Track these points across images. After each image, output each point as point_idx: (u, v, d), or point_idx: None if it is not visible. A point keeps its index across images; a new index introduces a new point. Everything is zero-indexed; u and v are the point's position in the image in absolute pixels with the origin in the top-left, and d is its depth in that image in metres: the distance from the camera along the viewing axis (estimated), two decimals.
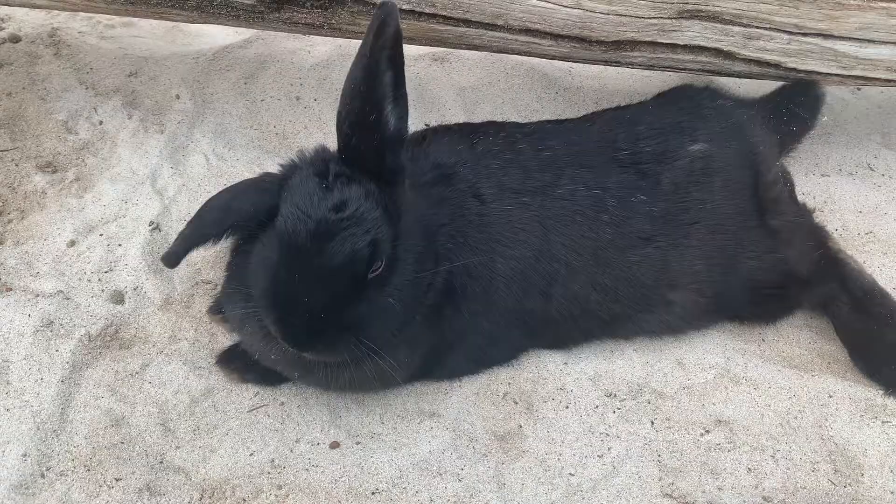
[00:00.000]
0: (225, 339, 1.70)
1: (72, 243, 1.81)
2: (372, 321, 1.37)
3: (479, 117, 2.20)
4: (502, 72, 2.29)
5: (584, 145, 1.69)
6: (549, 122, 1.84)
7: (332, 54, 2.28)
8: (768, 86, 2.02)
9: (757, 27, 1.72)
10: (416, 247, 1.43)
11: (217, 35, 2.07)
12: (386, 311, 1.38)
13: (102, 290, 1.74)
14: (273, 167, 2.00)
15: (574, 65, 2.34)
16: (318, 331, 1.32)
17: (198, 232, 1.47)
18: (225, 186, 1.95)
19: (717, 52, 1.80)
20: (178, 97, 2.14)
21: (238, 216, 1.45)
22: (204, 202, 1.49)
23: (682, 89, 1.91)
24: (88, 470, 1.49)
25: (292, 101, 2.17)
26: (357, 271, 1.33)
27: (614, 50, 1.76)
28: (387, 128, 1.36)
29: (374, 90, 1.31)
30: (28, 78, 2.12)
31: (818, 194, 2.08)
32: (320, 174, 1.38)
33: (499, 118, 2.19)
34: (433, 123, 2.17)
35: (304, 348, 1.35)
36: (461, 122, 2.11)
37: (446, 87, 2.25)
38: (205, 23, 1.76)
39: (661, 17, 1.67)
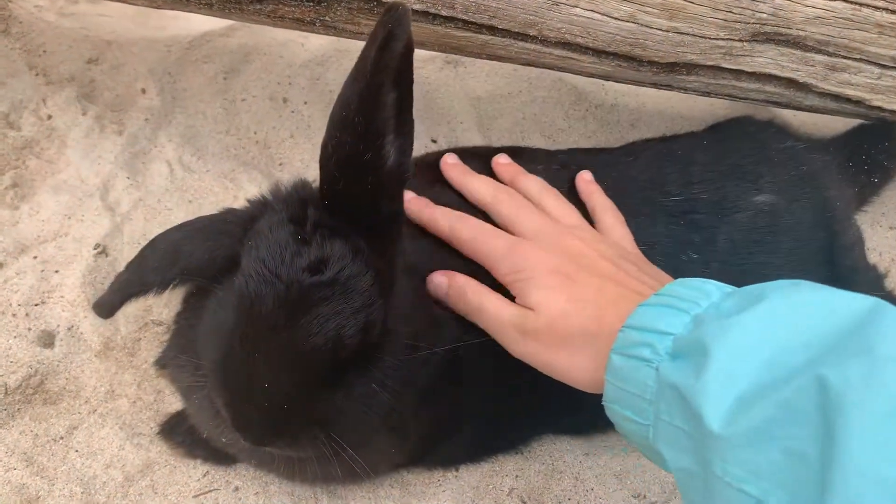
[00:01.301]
0: (173, 398, 1.40)
1: None
2: (348, 414, 1.05)
3: (495, 133, 1.88)
4: (525, 81, 1.97)
5: (626, 185, 1.38)
6: (581, 151, 1.53)
7: (328, 49, 1.96)
8: (823, 122, 1.70)
9: (845, 57, 1.40)
10: (412, 318, 1.12)
11: (196, 19, 1.74)
12: (368, 400, 1.07)
13: (29, 329, 1.43)
14: (249, 182, 1.70)
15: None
16: (278, 424, 1.01)
17: (137, 279, 1.15)
18: (189, 203, 1.66)
19: (790, 82, 1.48)
20: (143, 91, 1.81)
21: (187, 264, 1.13)
22: (148, 241, 1.18)
23: (741, 123, 1.60)
24: None
25: (278, 103, 1.85)
26: (337, 356, 1.01)
27: (667, 72, 1.44)
28: (384, 166, 1.03)
29: (371, 120, 0.98)
30: None
31: (886, 251, 1.77)
32: (296, 221, 1.06)
33: (519, 136, 1.88)
34: (441, 139, 1.85)
35: (259, 442, 1.04)
36: (476, 144, 1.80)
37: (459, 96, 1.93)
38: (171, 9, 1.44)
39: (731, 39, 1.35)
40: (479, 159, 1.40)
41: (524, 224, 1.20)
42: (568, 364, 1.06)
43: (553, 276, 1.10)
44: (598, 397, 1.32)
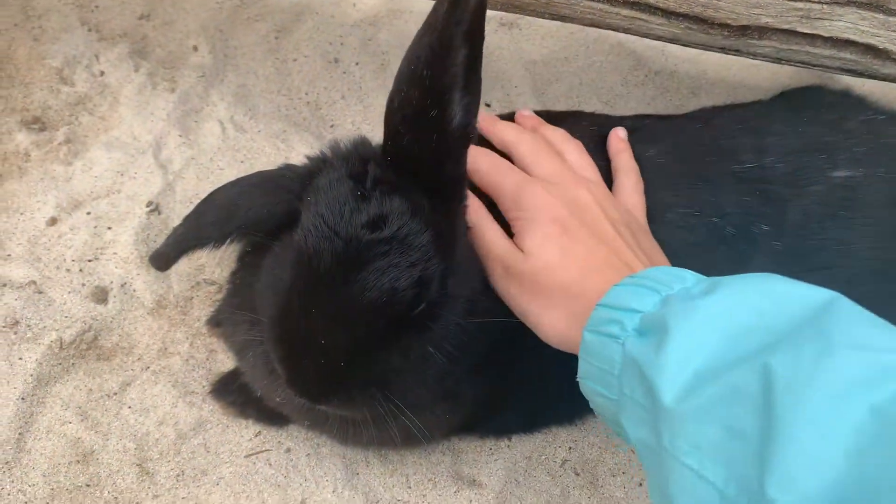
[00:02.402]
0: (226, 358, 1.39)
1: (53, 221, 1.49)
2: (406, 375, 1.03)
3: (550, 98, 1.83)
4: (582, 45, 1.91)
5: (696, 153, 1.32)
6: (648, 117, 1.47)
7: (380, 9, 1.92)
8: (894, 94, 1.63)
9: None
10: (473, 281, 1.10)
11: None
12: (425, 362, 1.05)
13: (83, 285, 1.43)
14: (301, 143, 1.68)
15: (668, 44, 1.95)
16: (334, 381, 0.99)
17: (194, 232, 1.14)
18: (241, 163, 1.64)
19: (868, 48, 1.41)
20: (195, 49, 1.79)
21: (246, 219, 1.11)
22: (207, 195, 1.16)
23: (816, 93, 1.52)
24: None
25: (329, 63, 1.81)
26: (394, 312, 0.99)
27: (738, 36, 1.38)
28: (450, 125, 1.00)
29: (440, 76, 0.94)
30: (22, 13, 1.78)
31: None
32: (356, 177, 1.03)
33: (575, 102, 1.83)
34: (495, 104, 1.81)
35: (315, 400, 1.03)
36: (533, 105, 1.75)
37: (514, 59, 1.88)
38: None
39: (811, 1, 1.28)
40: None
41: (541, 166, 1.18)
42: (540, 315, 1.07)
43: (553, 224, 1.09)
44: None
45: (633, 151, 1.31)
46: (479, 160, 1.20)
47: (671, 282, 0.88)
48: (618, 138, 1.33)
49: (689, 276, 0.90)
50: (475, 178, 1.20)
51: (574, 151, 1.26)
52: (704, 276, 0.92)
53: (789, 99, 1.52)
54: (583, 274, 1.03)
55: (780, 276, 0.85)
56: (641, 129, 1.37)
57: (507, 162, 1.21)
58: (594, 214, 1.11)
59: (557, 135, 1.28)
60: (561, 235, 1.07)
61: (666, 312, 0.82)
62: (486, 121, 1.31)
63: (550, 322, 1.06)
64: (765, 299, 0.79)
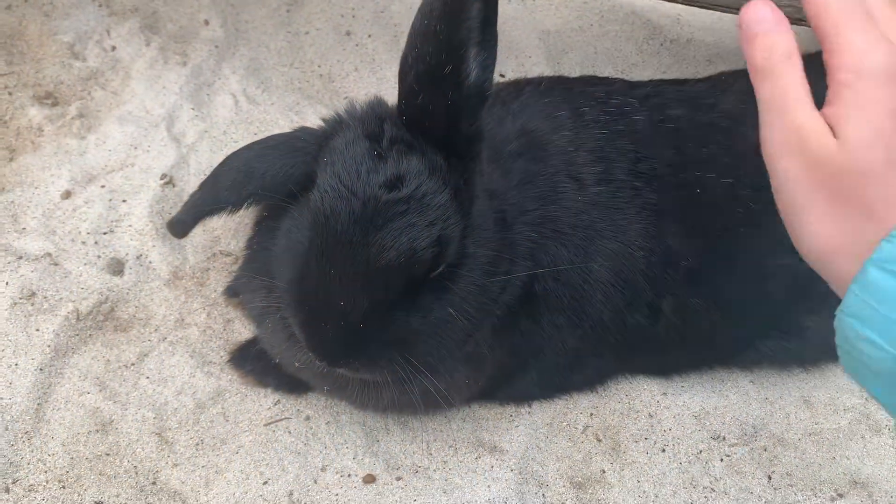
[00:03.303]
0: (243, 327, 1.38)
1: (67, 195, 1.49)
2: (426, 336, 1.02)
3: (565, 68, 1.81)
4: (596, 14, 1.89)
5: (715, 118, 1.30)
6: (668, 82, 1.45)
7: None
8: None
9: None
10: (490, 241, 1.08)
11: None
12: (445, 324, 1.03)
13: (98, 257, 1.42)
14: (314, 115, 1.66)
15: (683, 12, 1.92)
16: (355, 343, 0.98)
17: (211, 197, 1.13)
18: (254, 135, 1.63)
19: None
20: (206, 23, 1.78)
21: (262, 181, 1.10)
22: (223, 159, 1.15)
23: None
24: (63, 487, 1.20)
25: (341, 36, 1.80)
26: (413, 273, 0.98)
27: None
28: (466, 82, 0.98)
29: (455, 31, 0.93)
30: None
31: None
32: (372, 137, 1.02)
33: (590, 70, 1.81)
34: (510, 74, 1.79)
35: (335, 363, 1.02)
36: (549, 74, 1.73)
37: (528, 29, 1.86)
38: None
39: None
40: (559, 89, 1.33)
41: (861, 35, 0.87)
42: (817, 219, 0.84)
43: (890, 119, 0.83)
44: (677, 340, 1.27)
45: (653, 116, 1.28)
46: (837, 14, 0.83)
47: None
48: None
49: None
50: (814, 19, 0.85)
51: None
52: None
53: (808, 64, 1.49)
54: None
55: None
56: (662, 93, 1.35)
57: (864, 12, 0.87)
58: None
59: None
60: (894, 136, 0.82)
61: None
62: None
63: (826, 232, 0.84)
64: None
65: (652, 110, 1.28)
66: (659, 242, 1.20)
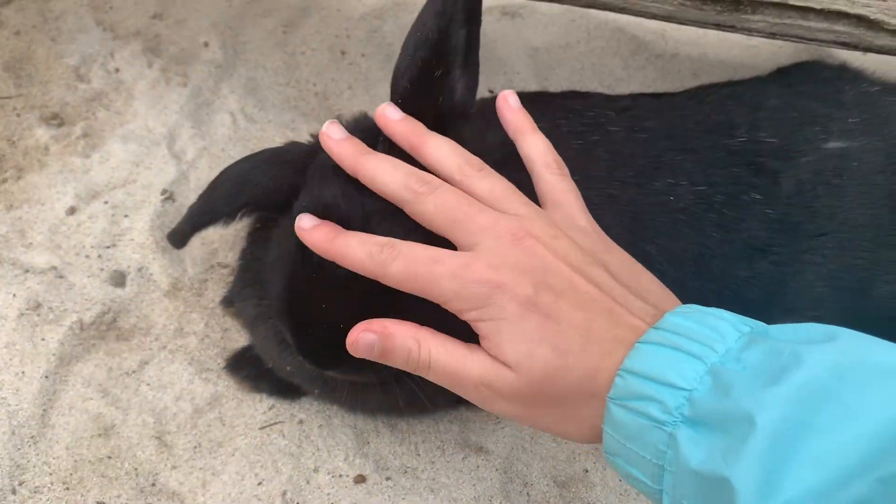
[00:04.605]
0: (239, 336, 1.44)
1: (72, 211, 1.55)
2: None
3: (553, 84, 1.87)
4: (583, 32, 1.95)
5: (689, 127, 1.35)
6: (645, 95, 1.50)
7: (384, 3, 1.97)
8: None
9: None
10: None
11: None
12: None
13: (101, 269, 1.48)
14: (309, 132, 1.72)
15: (668, 28, 1.98)
16: (341, 346, 1.04)
17: (207, 208, 1.19)
18: (251, 152, 1.69)
19: (861, 20, 1.43)
20: (206, 45, 1.85)
21: (254, 192, 1.16)
22: (220, 172, 1.22)
23: (812, 67, 1.55)
24: (67, 488, 1.25)
25: (336, 55, 1.87)
26: None
27: (732, 11, 1.41)
28: (452, 93, 1.06)
29: (445, 41, 1.01)
30: (40, 15, 1.85)
31: None
32: None
33: (577, 87, 1.86)
34: (498, 90, 1.84)
35: (324, 366, 1.07)
36: (535, 90, 1.79)
37: (517, 46, 1.92)
38: None
39: None
40: (538, 103, 1.39)
41: (459, 227, 0.88)
42: (560, 424, 0.85)
43: (527, 315, 0.81)
44: None
45: (628, 126, 1.34)
46: (387, 260, 0.91)
47: (708, 338, 0.71)
48: (510, 107, 1.10)
49: (726, 328, 0.73)
50: (397, 286, 0.92)
51: (477, 177, 0.95)
52: (735, 316, 0.76)
53: (786, 74, 1.54)
54: (592, 365, 0.79)
55: (850, 332, 0.72)
56: (638, 106, 1.40)
57: (417, 246, 0.89)
58: (560, 273, 0.83)
59: (444, 158, 0.97)
60: (543, 326, 0.81)
61: (730, 407, 0.65)
62: (349, 155, 1.01)
63: (574, 428, 0.84)
64: (852, 382, 0.63)
65: (627, 121, 1.34)
66: (633, 247, 1.25)
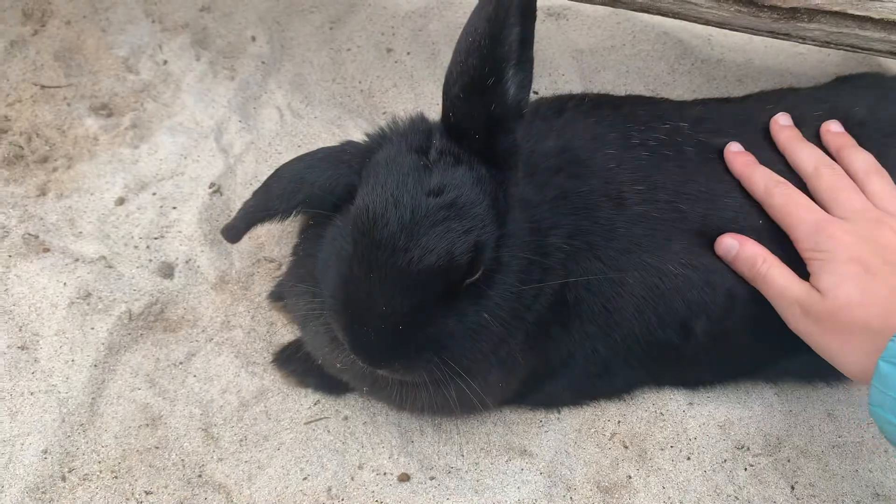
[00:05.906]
0: (285, 330, 1.45)
1: (121, 201, 1.57)
2: (461, 340, 1.08)
3: (597, 87, 1.86)
4: (629, 34, 1.94)
5: (762, 139, 1.34)
6: (713, 101, 1.49)
7: (430, 1, 1.97)
8: None
9: None
10: (524, 251, 1.13)
11: None
12: (480, 328, 1.09)
13: (150, 260, 1.50)
14: (355, 128, 1.73)
15: (714, 33, 1.97)
16: (394, 345, 1.04)
17: (263, 205, 1.21)
18: (298, 147, 1.70)
19: None
20: (253, 39, 1.86)
21: (311, 190, 1.17)
22: (274, 170, 1.23)
23: (876, 79, 1.55)
24: (116, 477, 1.27)
25: (382, 53, 1.87)
26: (450, 278, 1.04)
27: (788, 19, 1.40)
28: (506, 97, 1.05)
29: (497, 46, 1.00)
30: (90, 6, 1.87)
31: None
32: (419, 149, 1.09)
33: (622, 90, 1.86)
34: (543, 92, 1.84)
35: (376, 364, 1.08)
36: (599, 92, 1.78)
37: (561, 48, 1.91)
38: None
39: None
40: (605, 109, 1.38)
41: (841, 205, 1.19)
42: (840, 351, 1.09)
43: (852, 264, 1.10)
44: (704, 359, 1.32)
45: (702, 139, 1.31)
46: (774, 194, 1.21)
47: None
48: (833, 133, 1.32)
49: None
50: (770, 210, 1.22)
51: (878, 182, 1.23)
52: None
53: (848, 82, 1.53)
54: (886, 310, 1.04)
55: None
56: (710, 115, 1.37)
57: (803, 197, 1.21)
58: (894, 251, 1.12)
59: (861, 162, 1.26)
60: (861, 275, 1.09)
61: None
62: (785, 137, 1.30)
63: (849, 358, 1.08)
64: None
65: (700, 132, 1.32)
66: (699, 263, 1.24)
